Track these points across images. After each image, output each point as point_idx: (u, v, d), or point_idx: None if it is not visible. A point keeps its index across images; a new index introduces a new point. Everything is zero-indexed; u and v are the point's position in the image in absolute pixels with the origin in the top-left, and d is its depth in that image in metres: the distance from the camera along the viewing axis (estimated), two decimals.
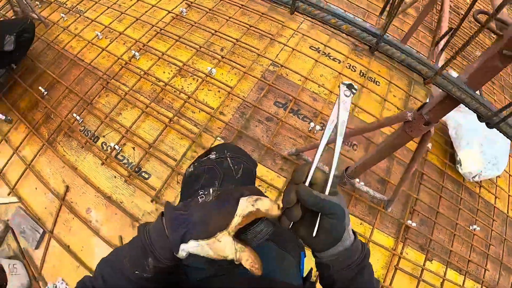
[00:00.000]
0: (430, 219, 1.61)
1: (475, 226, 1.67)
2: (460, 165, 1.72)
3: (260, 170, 1.55)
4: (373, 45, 0.76)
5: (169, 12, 2.04)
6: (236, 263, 0.49)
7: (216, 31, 1.93)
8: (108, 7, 2.11)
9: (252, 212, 0.48)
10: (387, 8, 0.82)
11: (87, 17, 2.08)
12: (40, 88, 1.76)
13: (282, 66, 1.83)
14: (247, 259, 0.49)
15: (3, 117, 1.69)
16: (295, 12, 0.78)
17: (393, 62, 2.00)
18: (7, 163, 1.62)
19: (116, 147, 1.54)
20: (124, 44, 1.93)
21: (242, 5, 2.08)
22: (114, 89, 1.74)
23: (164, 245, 0.49)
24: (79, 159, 1.58)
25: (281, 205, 0.49)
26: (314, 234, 0.49)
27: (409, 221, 1.56)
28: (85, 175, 1.53)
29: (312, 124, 1.65)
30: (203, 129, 1.60)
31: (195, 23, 1.98)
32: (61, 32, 2.03)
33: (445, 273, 1.55)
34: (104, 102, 1.71)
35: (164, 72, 1.79)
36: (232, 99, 1.71)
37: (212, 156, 0.91)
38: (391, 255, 1.50)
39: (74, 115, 1.64)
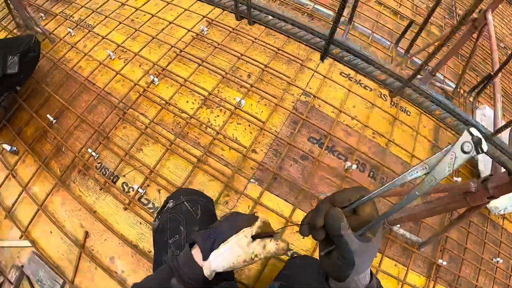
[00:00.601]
0: (459, 255, 1.54)
1: (498, 259, 1.62)
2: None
3: (297, 215, 1.42)
4: (395, 90, 0.63)
5: (189, 30, 1.84)
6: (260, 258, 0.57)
7: (242, 55, 1.76)
8: (120, 22, 1.88)
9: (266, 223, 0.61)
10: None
11: (97, 34, 1.85)
12: (48, 116, 1.54)
13: (314, 96, 1.68)
14: (273, 242, 0.57)
15: (9, 148, 1.48)
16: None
17: None
18: (16, 201, 1.42)
19: (140, 190, 1.37)
20: (140, 66, 1.73)
21: None
22: (132, 120, 1.55)
23: (190, 264, 0.55)
24: (97, 201, 1.39)
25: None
26: (320, 254, 0.47)
27: (440, 260, 1.49)
28: (105, 219, 1.35)
29: (348, 163, 1.53)
30: (236, 171, 1.44)
31: (218, 44, 1.79)
32: (69, 50, 1.80)
33: None
34: (121, 135, 1.52)
35: (187, 102, 1.61)
36: (264, 134, 1.55)
37: (170, 204, 0.96)
38: None
39: (89, 150, 1.45)
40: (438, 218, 1.60)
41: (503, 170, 0.86)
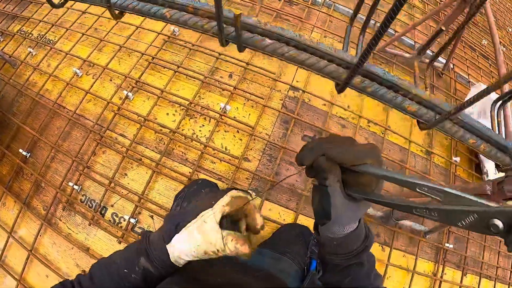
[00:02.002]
0: (463, 236, 1.47)
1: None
2: (487, 175, 1.54)
3: (301, 220, 1.30)
4: (430, 123, 0.47)
5: (159, 33, 1.61)
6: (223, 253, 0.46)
7: (220, 54, 1.55)
8: (83, 34, 1.63)
9: (240, 197, 0.48)
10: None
11: (60, 50, 1.62)
12: (20, 150, 1.36)
13: (303, 91, 1.51)
14: (234, 242, 0.45)
15: None
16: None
17: (412, 68, 1.72)
18: (4, 248, 1.27)
19: (132, 220, 1.23)
20: (111, 80, 1.52)
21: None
22: (111, 143, 1.37)
23: (160, 244, 0.48)
24: (89, 237, 1.25)
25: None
26: (313, 185, 0.44)
27: (447, 244, 1.41)
28: (100, 255, 1.22)
29: None
30: (231, 184, 1.30)
31: (193, 45, 1.58)
32: (32, 72, 1.57)
33: (479, 284, 1.46)
34: (102, 162, 1.35)
35: (167, 114, 1.43)
36: (255, 139, 1.39)
37: (185, 189, 1.03)
38: (433, 281, 1.37)
39: (70, 184, 1.29)
40: None
41: None
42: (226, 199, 0.48)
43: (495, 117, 0.89)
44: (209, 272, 0.56)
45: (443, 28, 0.50)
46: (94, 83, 1.49)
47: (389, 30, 1.83)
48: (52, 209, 1.28)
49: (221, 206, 0.47)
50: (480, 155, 1.58)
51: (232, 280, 0.55)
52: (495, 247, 1.52)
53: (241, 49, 0.45)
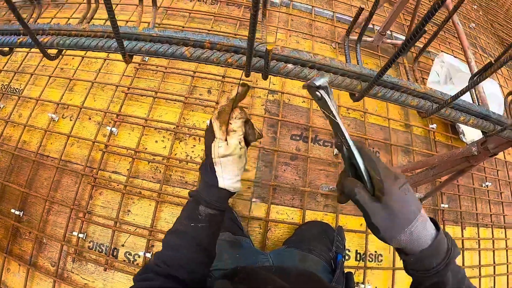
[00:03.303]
0: (454, 194, 1.54)
1: (487, 183, 1.64)
2: (464, 135, 1.61)
3: (309, 215, 1.30)
4: (428, 112, 0.51)
5: None
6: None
7: (195, 72, 1.50)
8: (50, 76, 1.51)
9: (228, 98, 0.50)
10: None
11: (28, 97, 1.49)
12: (12, 210, 1.25)
13: (281, 92, 1.49)
14: (238, 128, 0.52)
15: None
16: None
17: (377, 51, 1.75)
18: None
19: (147, 255, 1.17)
20: (90, 119, 1.42)
21: (208, 30, 1.62)
22: (106, 183, 1.29)
23: (208, 188, 0.52)
24: (106, 282, 1.18)
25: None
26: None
27: (442, 205, 1.48)
28: None
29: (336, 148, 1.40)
30: (235, 197, 1.27)
31: (166, 68, 1.51)
32: (5, 126, 1.44)
33: (478, 234, 1.54)
34: (101, 204, 1.27)
35: (156, 142, 1.37)
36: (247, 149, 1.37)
37: None
38: None
39: (74, 233, 1.20)
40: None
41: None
42: (216, 122, 0.52)
43: (473, 91, 0.92)
44: (259, 281, 0.55)
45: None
46: (73, 125, 1.39)
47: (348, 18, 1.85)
48: (61, 264, 1.20)
49: (218, 128, 0.51)
50: (460, 130, 1.65)
51: (279, 285, 0.53)
52: (485, 197, 1.61)
53: (266, 78, 0.45)
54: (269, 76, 0.45)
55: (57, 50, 0.49)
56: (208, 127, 0.54)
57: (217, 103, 0.50)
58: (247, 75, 0.45)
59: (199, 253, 0.53)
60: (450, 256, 0.42)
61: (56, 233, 1.25)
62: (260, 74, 0.44)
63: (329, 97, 0.39)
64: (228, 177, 0.52)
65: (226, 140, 0.52)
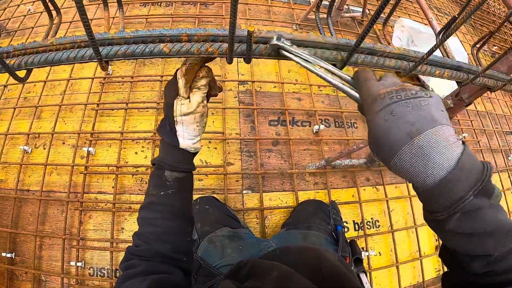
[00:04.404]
0: None
1: (464, 134, 1.66)
2: (432, 91, 1.61)
3: (302, 196, 1.28)
4: (407, 71, 0.51)
5: (93, 78, 1.44)
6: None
7: (162, 76, 1.43)
8: (14, 108, 1.41)
9: (186, 63, 0.44)
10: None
11: None
12: (3, 254, 1.17)
13: (251, 81, 1.45)
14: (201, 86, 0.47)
15: None
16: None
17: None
18: None
19: None
20: (64, 144, 1.34)
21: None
22: (94, 206, 1.23)
23: (169, 150, 0.48)
24: None
25: None
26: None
27: None
28: None
29: (315, 127, 1.38)
30: (226, 192, 1.23)
31: (132, 77, 1.43)
32: None
33: None
34: (93, 227, 1.20)
35: (136, 153, 1.30)
36: (228, 143, 1.32)
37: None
38: None
39: (72, 263, 1.14)
40: None
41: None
42: (182, 79, 0.46)
43: (441, 47, 0.91)
44: (264, 270, 0.52)
45: None
46: (48, 153, 1.30)
47: None
48: None
49: (183, 86, 0.46)
50: (421, 78, 1.64)
51: (284, 269, 0.49)
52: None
53: (249, 61, 0.42)
54: (237, 67, 0.44)
55: (25, 71, 0.44)
56: (169, 83, 0.48)
57: (185, 62, 0.41)
58: (230, 62, 0.42)
59: (177, 221, 0.50)
60: (458, 207, 0.30)
61: (53, 267, 1.18)
62: (232, 64, 0.42)
63: (291, 53, 0.37)
64: (189, 136, 0.48)
65: (188, 97, 0.47)
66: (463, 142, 0.32)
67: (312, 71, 0.38)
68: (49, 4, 0.48)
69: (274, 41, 0.38)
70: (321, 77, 0.38)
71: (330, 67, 0.39)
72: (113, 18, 1.56)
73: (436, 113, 0.32)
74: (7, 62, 0.40)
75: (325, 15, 1.54)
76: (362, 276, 0.83)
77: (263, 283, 0.47)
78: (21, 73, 0.45)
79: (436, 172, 0.30)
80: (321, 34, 0.54)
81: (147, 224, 0.48)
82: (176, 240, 0.50)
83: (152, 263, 0.46)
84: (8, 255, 1.17)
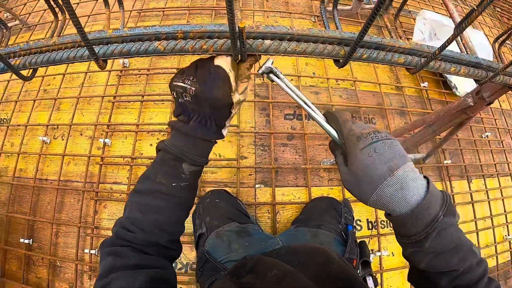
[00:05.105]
0: (455, 149, 1.46)
1: (487, 133, 1.57)
2: (456, 88, 1.53)
3: (315, 192, 1.24)
4: (417, 67, 0.45)
5: (110, 71, 1.45)
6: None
7: (178, 68, 1.42)
8: (34, 100, 1.44)
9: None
10: None
11: (17, 125, 1.42)
12: (21, 240, 1.20)
13: None
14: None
15: None
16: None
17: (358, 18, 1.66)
18: None
19: None
20: (81, 135, 1.35)
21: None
22: (109, 196, 1.23)
23: (194, 143, 0.45)
24: None
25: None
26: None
27: (445, 161, 1.41)
28: None
29: None
30: (239, 186, 1.21)
31: (148, 70, 1.43)
32: None
33: (485, 185, 1.48)
34: (107, 217, 1.21)
35: (151, 145, 1.30)
36: (242, 136, 1.30)
37: (199, 205, 1.00)
38: None
39: (86, 250, 1.15)
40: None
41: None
42: (232, 73, 0.44)
43: (460, 41, 0.85)
44: (266, 268, 0.50)
45: None
46: (66, 144, 1.32)
47: None
48: (78, 283, 1.14)
49: (234, 80, 0.45)
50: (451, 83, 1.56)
51: (286, 268, 0.48)
52: (487, 147, 1.54)
53: (245, 57, 0.41)
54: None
55: (31, 70, 0.44)
56: (211, 70, 0.42)
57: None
58: (236, 59, 0.42)
59: (180, 212, 0.48)
60: (434, 226, 0.35)
61: (68, 254, 1.19)
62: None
63: (278, 77, 0.42)
64: (228, 125, 0.49)
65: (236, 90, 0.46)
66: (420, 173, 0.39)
67: (296, 101, 0.43)
68: (52, 3, 0.48)
69: (269, 65, 0.42)
70: (304, 109, 0.43)
71: (310, 105, 0.43)
72: (130, 11, 1.56)
73: (403, 151, 0.38)
74: (13, 62, 0.41)
75: (349, 7, 1.48)
76: (368, 279, 0.82)
77: (262, 280, 0.45)
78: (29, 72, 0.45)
79: (414, 198, 0.35)
80: (325, 27, 0.51)
81: (149, 212, 0.45)
82: (174, 230, 0.48)
83: (146, 256, 0.43)
84: (26, 241, 1.19)
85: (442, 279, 0.37)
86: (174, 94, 0.44)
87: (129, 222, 0.43)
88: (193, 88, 0.41)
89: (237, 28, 0.36)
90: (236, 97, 0.44)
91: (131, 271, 0.40)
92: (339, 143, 0.40)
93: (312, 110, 0.43)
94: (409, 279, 0.46)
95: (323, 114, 0.43)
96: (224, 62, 0.41)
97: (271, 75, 0.42)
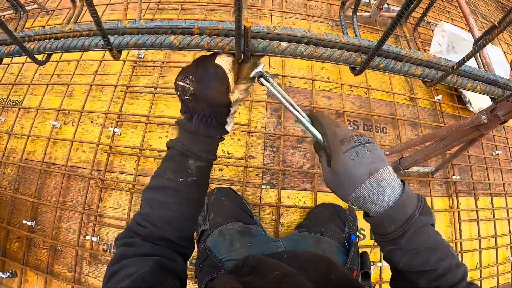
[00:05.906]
0: (465, 164, 1.44)
1: (498, 152, 1.54)
2: (470, 104, 1.50)
3: (321, 197, 1.22)
4: (434, 80, 0.44)
5: (124, 61, 1.44)
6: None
7: None
8: (47, 84, 1.44)
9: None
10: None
11: (29, 108, 1.42)
12: (24, 221, 1.19)
13: (282, 76, 1.40)
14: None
15: (3, 275, 1.15)
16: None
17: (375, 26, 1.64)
18: None
19: None
20: (92, 122, 1.35)
21: (202, 20, 1.51)
22: (114, 184, 1.22)
23: (198, 139, 0.45)
24: None
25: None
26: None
27: (454, 176, 1.38)
28: None
29: None
30: (245, 185, 1.20)
31: (163, 62, 1.42)
32: (8, 139, 1.37)
33: (492, 203, 1.45)
34: (111, 205, 1.20)
35: (160, 138, 1.29)
36: (252, 136, 1.29)
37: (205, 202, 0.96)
38: (452, 213, 1.33)
39: (87, 237, 1.14)
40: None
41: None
42: (230, 74, 0.43)
43: (479, 57, 0.83)
44: (267, 268, 0.50)
45: None
46: (76, 130, 1.32)
47: None
48: (77, 269, 1.14)
49: (232, 81, 0.43)
50: (460, 88, 1.54)
51: (288, 270, 0.48)
52: (496, 166, 1.51)
53: (248, 56, 0.39)
54: (269, 60, 0.44)
55: (46, 55, 0.44)
56: (210, 70, 0.40)
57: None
58: (239, 58, 0.40)
59: (190, 208, 0.48)
60: (410, 223, 0.37)
61: (69, 239, 1.18)
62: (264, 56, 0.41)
63: (268, 82, 0.42)
64: (231, 121, 0.48)
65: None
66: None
67: (283, 104, 0.44)
68: None
69: (260, 69, 0.42)
70: (291, 111, 0.44)
71: (297, 108, 0.44)
72: (149, 3, 1.56)
73: (383, 155, 0.39)
74: (28, 46, 0.41)
75: (367, 13, 1.46)
76: None
77: (264, 280, 0.45)
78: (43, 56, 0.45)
79: (391, 198, 0.38)
80: (344, 33, 0.50)
81: (158, 207, 0.46)
82: (184, 227, 0.48)
83: (157, 247, 0.43)
84: (29, 223, 1.18)
85: (421, 279, 0.39)
86: (178, 92, 0.44)
87: (141, 218, 0.45)
88: (192, 88, 0.41)
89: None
90: (234, 96, 0.43)
91: (141, 257, 0.41)
92: (324, 145, 0.42)
93: (299, 113, 0.44)
94: (391, 284, 0.46)
95: (307, 116, 0.44)
96: (224, 61, 0.40)
97: (262, 79, 0.43)
